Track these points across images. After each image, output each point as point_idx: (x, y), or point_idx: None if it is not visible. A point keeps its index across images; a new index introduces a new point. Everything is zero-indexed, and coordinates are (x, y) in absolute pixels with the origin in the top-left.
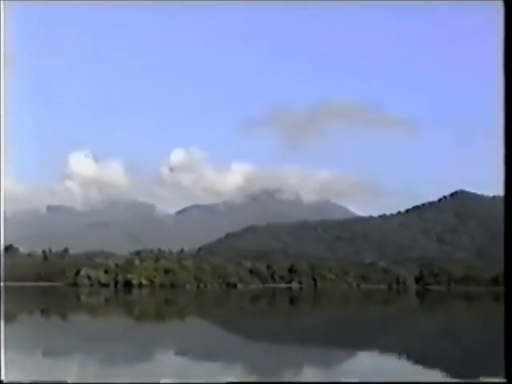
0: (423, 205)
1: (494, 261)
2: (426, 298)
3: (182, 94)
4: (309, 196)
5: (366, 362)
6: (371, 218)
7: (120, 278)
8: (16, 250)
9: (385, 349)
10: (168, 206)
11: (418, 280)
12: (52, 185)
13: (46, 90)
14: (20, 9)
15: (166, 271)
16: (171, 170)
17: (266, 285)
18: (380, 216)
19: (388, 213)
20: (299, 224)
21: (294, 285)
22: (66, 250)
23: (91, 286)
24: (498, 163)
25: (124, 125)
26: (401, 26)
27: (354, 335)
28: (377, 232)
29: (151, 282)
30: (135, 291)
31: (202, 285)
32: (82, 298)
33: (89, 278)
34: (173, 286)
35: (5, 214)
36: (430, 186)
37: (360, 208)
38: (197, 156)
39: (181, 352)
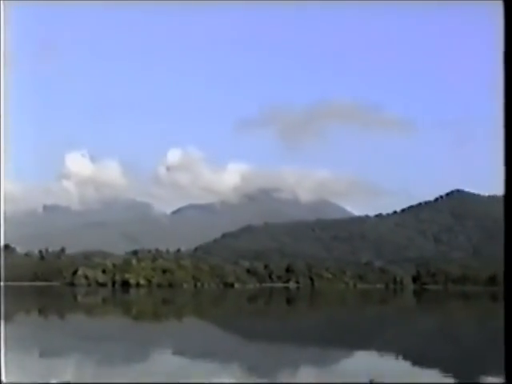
0: (420, 204)
1: (490, 260)
2: (423, 298)
3: (179, 93)
4: (306, 196)
5: (363, 361)
6: (368, 217)
7: (117, 277)
8: (13, 249)
9: (382, 348)
10: (165, 205)
11: (415, 279)
12: (49, 184)
13: (43, 89)
14: (20, 9)
15: (164, 271)
16: (168, 169)
17: (264, 284)
18: (377, 216)
19: (385, 212)
20: (296, 224)
21: (292, 284)
22: (62, 250)
23: (88, 285)
24: (494, 163)
25: (121, 124)
26: (400, 26)
27: (352, 335)
28: (373, 232)
29: (149, 281)
30: (133, 291)
31: (199, 284)
32: (80, 297)
33: (86, 277)
34: (170, 285)
35: (3, 213)
36: (426, 185)
37: (357, 208)
38: (194, 156)
39: (178, 352)
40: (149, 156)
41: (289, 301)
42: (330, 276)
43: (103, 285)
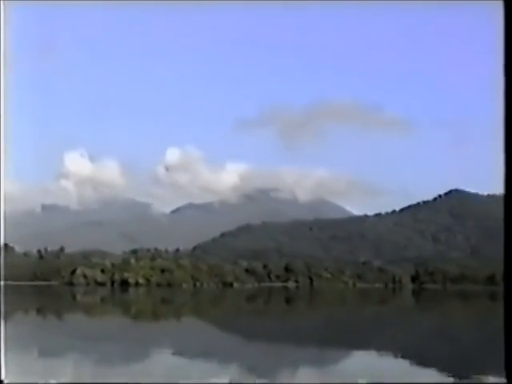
0: (418, 204)
1: (489, 260)
2: (422, 297)
3: (178, 93)
4: (304, 195)
5: (362, 361)
6: (367, 217)
7: (116, 277)
8: (11, 249)
9: (381, 348)
10: (164, 205)
11: (413, 279)
12: (47, 184)
13: (42, 89)
14: (20, 9)
15: (163, 270)
16: (167, 169)
17: (262, 284)
18: (375, 215)
19: (383, 212)
20: (295, 223)
21: (290, 284)
22: (61, 249)
23: (87, 285)
24: (493, 162)
25: (120, 124)
26: (399, 26)
27: (351, 334)
28: (372, 231)
29: (148, 281)
30: (132, 290)
31: (198, 284)
32: (78, 297)
33: (85, 277)
34: (169, 285)
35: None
36: (425, 185)
37: (356, 207)
38: (193, 155)
39: (177, 352)
40: (148, 156)
41: (288, 300)
42: (328, 275)
43: (102, 284)
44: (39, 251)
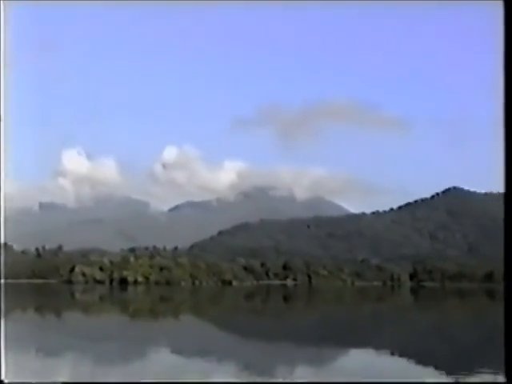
0: (416, 202)
1: (486, 258)
2: (420, 295)
3: (175, 92)
4: (302, 194)
5: (360, 359)
6: (364, 215)
7: (115, 275)
8: (9, 247)
9: (380, 346)
10: (161, 203)
11: (412, 277)
12: (45, 182)
13: (40, 88)
14: (20, 9)
15: (161, 268)
16: (164, 167)
17: (261, 282)
18: (373, 213)
19: (381, 210)
20: (292, 221)
21: (289, 282)
22: (59, 248)
23: (86, 283)
24: (490, 161)
25: (117, 122)
26: (397, 26)
27: (349, 333)
28: (370, 229)
29: (146, 279)
30: (130, 288)
31: (197, 282)
32: (77, 295)
33: (83, 275)
34: (168, 283)
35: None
36: (422, 183)
37: (353, 205)
38: (190, 153)
39: (176, 350)
40: (145, 154)
41: (286, 298)
42: (327, 273)
43: (101, 282)
44: (37, 249)
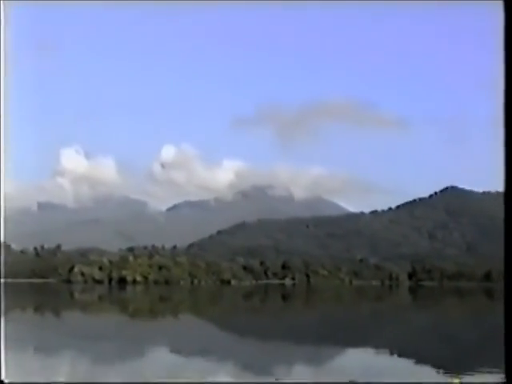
0: (414, 201)
1: (484, 257)
2: (419, 294)
3: (174, 91)
4: (300, 193)
5: (358, 359)
6: (363, 214)
7: (114, 274)
8: (8, 247)
9: (378, 346)
10: (160, 202)
11: (410, 276)
12: (43, 182)
13: (38, 87)
14: (20, 9)
15: (160, 268)
16: (163, 166)
17: (259, 281)
18: (371, 212)
19: (379, 209)
20: (291, 220)
21: (287, 281)
22: (58, 247)
23: (85, 282)
24: (488, 160)
25: (116, 122)
26: (395, 25)
27: (347, 332)
28: (368, 228)
29: (145, 278)
30: (129, 288)
31: (196, 281)
32: (76, 294)
33: (82, 274)
34: (167, 282)
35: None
36: (421, 182)
37: (352, 205)
38: (188, 153)
39: (175, 350)
40: (143, 153)
41: (284, 297)
42: (325, 273)
43: (100, 282)
44: (36, 249)
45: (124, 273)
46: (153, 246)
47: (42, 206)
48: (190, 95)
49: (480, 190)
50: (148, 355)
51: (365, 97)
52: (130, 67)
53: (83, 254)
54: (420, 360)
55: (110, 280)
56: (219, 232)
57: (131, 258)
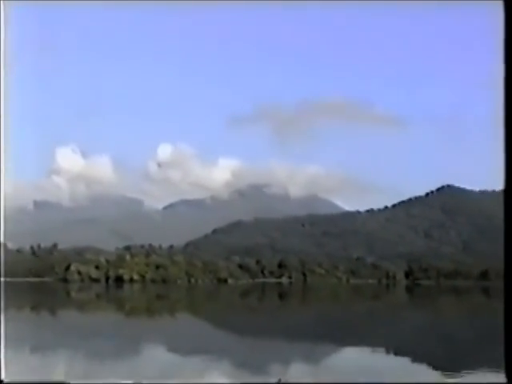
0: (410, 200)
1: (481, 256)
2: (416, 293)
3: (170, 90)
4: (297, 191)
5: (355, 357)
6: (359, 213)
7: (111, 273)
8: (4, 245)
9: (374, 344)
10: (156, 201)
11: (407, 275)
12: (39, 180)
13: (35, 86)
14: (20, 9)
15: (157, 266)
16: (159, 165)
17: (256, 280)
18: (368, 211)
19: (376, 208)
20: (287, 219)
21: (284, 280)
22: (54, 246)
23: (82, 281)
24: (485, 159)
25: (112, 120)
26: (394, 25)
27: (344, 331)
28: (364, 227)
29: (142, 277)
30: (126, 286)
31: (193, 280)
32: (73, 293)
33: (79, 273)
34: (164, 281)
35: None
36: (417, 181)
37: (348, 203)
38: (185, 152)
39: (171, 348)
40: (140, 152)
41: (281, 296)
42: (322, 271)
43: (96, 280)
44: (32, 248)
45: (121, 272)
46: (150, 245)
47: (38, 205)
48: (186, 94)
49: (476, 188)
50: (145, 354)
51: (362, 95)
52: (127, 66)
53: (80, 253)
54: (416, 359)
55: (107, 279)
56: (215, 231)
57: (128, 257)
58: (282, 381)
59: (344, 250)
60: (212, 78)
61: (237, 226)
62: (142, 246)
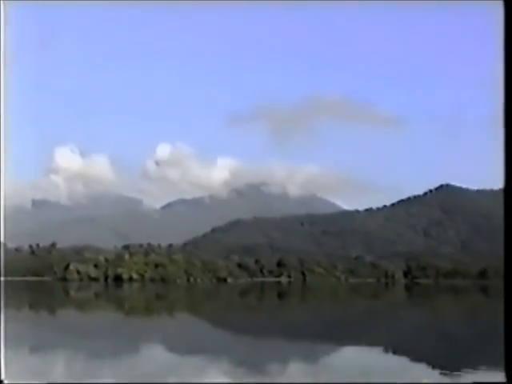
0: (409, 199)
1: (479, 255)
2: (415, 292)
3: (168, 89)
4: (295, 190)
5: (354, 356)
6: (358, 212)
7: (110, 272)
8: (3, 245)
9: (373, 343)
10: (154, 200)
11: (406, 274)
12: (38, 179)
13: (33, 85)
14: (20, 9)
15: (157, 266)
16: (157, 164)
17: (255, 279)
18: (366, 210)
19: (374, 207)
20: (286, 218)
21: (283, 279)
22: (53, 245)
23: (81, 280)
24: (483, 158)
25: (110, 119)
26: (393, 24)
27: (343, 330)
28: (363, 226)
29: (141, 276)
30: (125, 286)
31: (192, 279)
32: (72, 292)
33: (78, 272)
34: (163, 280)
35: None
36: (416, 180)
37: (347, 202)
38: (183, 151)
39: (170, 347)
40: (138, 151)
41: (280, 295)
42: (321, 270)
43: (95, 279)
44: (31, 247)
45: (120, 271)
46: (148, 244)
47: (36, 204)
48: (185, 93)
49: (475, 187)
50: (144, 353)
51: (361, 95)
52: (125, 66)
53: (78, 252)
54: (415, 357)
55: (106, 278)
56: (214, 230)
57: (127, 256)
58: (282, 381)
59: (343, 249)
60: (210, 78)
61: (236, 225)
62: (141, 245)
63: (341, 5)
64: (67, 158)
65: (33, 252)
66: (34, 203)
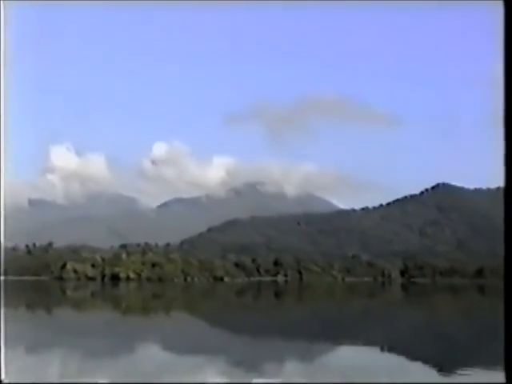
0: (405, 198)
1: (475, 254)
2: (412, 291)
3: (165, 87)
4: (292, 189)
5: (350, 355)
6: (354, 211)
7: (107, 271)
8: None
9: (370, 342)
10: (151, 199)
11: (402, 273)
12: (34, 178)
13: (29, 84)
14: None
15: (153, 265)
16: (154, 163)
17: (252, 278)
18: (363, 209)
19: (371, 206)
20: (282, 217)
21: (280, 278)
22: (50, 244)
23: (77, 279)
24: (479, 157)
25: (106, 118)
26: (389, 23)
27: (339, 329)
28: (360, 225)
29: (138, 275)
30: (122, 285)
31: (189, 278)
32: (69, 292)
33: (75, 271)
34: (160, 279)
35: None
36: (412, 179)
37: (343, 201)
38: (179, 150)
39: (167, 347)
40: (134, 150)
41: (277, 294)
42: (318, 269)
43: (92, 279)
44: (27, 246)
45: (117, 270)
46: (145, 243)
47: (33, 203)
48: (181, 92)
49: (471, 186)
50: (140, 352)
51: (357, 94)
52: (122, 65)
53: (75, 251)
54: (411, 357)
55: (103, 277)
56: (210, 229)
57: (124, 256)
58: (281, 380)
59: (339, 248)
60: (207, 77)
61: (232, 224)
62: (138, 245)
63: (339, 4)
64: (63, 157)
65: (29, 251)
66: (31, 202)
